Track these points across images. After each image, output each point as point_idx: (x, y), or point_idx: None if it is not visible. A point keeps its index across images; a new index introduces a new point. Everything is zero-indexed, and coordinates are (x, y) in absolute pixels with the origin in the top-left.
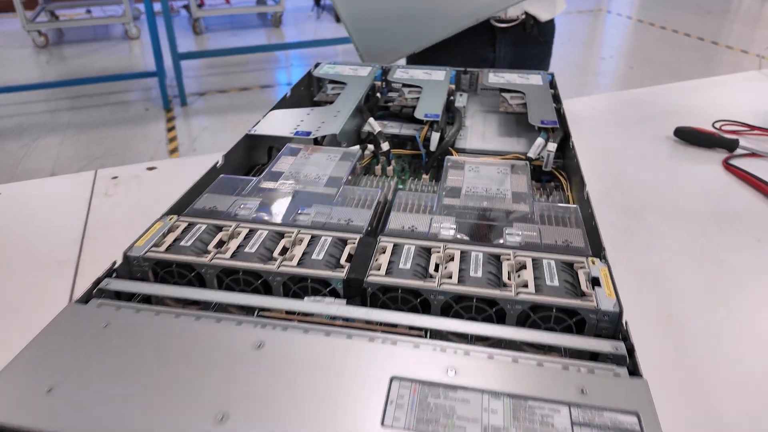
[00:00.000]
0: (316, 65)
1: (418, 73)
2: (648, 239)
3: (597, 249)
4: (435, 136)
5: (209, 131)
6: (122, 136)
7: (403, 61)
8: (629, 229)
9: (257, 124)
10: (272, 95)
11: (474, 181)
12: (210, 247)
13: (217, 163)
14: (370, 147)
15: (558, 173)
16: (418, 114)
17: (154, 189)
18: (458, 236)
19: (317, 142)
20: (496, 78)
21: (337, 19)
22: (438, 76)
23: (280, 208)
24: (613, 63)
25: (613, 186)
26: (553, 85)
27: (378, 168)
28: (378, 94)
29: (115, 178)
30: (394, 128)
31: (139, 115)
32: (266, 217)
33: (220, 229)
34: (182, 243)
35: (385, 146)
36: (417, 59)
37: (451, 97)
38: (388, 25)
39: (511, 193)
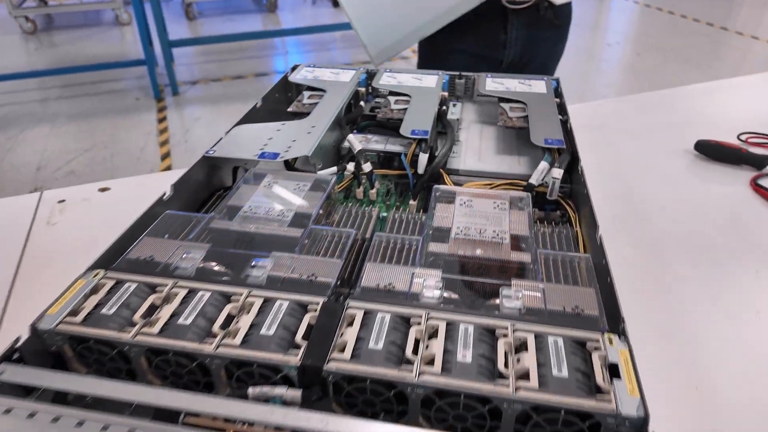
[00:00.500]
0: (294, 68)
1: (407, 79)
2: (667, 280)
3: (614, 319)
4: (423, 158)
5: (202, 122)
6: (112, 127)
7: (391, 65)
8: (645, 268)
9: (218, 142)
10: (268, 83)
11: (466, 220)
12: (137, 316)
13: (164, 195)
14: (350, 167)
15: (565, 203)
16: (405, 130)
17: (104, 215)
18: (445, 295)
19: (288, 164)
20: (494, 84)
21: (335, 4)
22: (429, 82)
23: (230, 259)
24: (619, 49)
25: (625, 210)
26: (558, 92)
27: (359, 191)
28: (362, 103)
29: (62, 201)
30: (378, 143)
31: (129, 105)
32: (212, 271)
33: (153, 288)
34: (104, 310)
35: (366, 167)
36: (427, 43)
37: (444, 107)
38: (392, 11)
39: (509, 236)
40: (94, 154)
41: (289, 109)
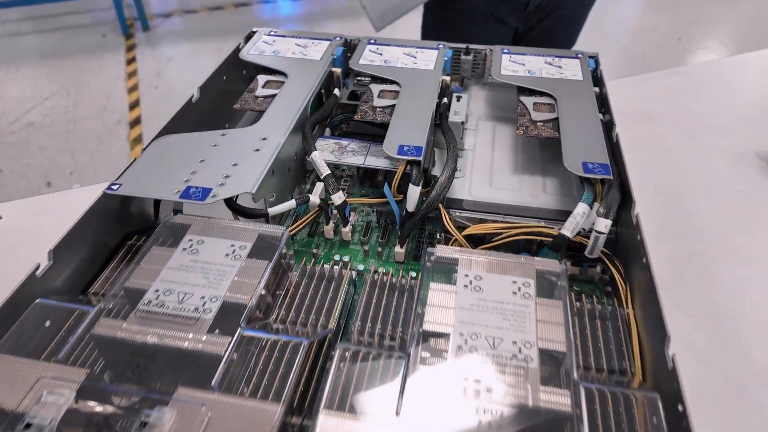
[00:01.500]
0: (248, 36)
1: (397, 55)
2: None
3: None
4: (414, 192)
5: (176, 63)
6: (75, 69)
7: (379, 34)
8: (720, 361)
9: (128, 169)
10: (250, 17)
11: (473, 317)
12: None
13: (37, 268)
14: (315, 199)
15: (610, 264)
16: (389, 147)
17: None
18: None
19: (231, 204)
20: (512, 64)
21: None
22: (426, 60)
23: (110, 405)
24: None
25: (678, 251)
26: (598, 77)
27: (328, 228)
28: (336, 91)
29: None
30: (356, 154)
31: (94, 43)
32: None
33: None
34: None
35: (338, 198)
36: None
37: (444, 99)
38: None
39: (537, 353)
40: (54, 102)
41: (236, 106)
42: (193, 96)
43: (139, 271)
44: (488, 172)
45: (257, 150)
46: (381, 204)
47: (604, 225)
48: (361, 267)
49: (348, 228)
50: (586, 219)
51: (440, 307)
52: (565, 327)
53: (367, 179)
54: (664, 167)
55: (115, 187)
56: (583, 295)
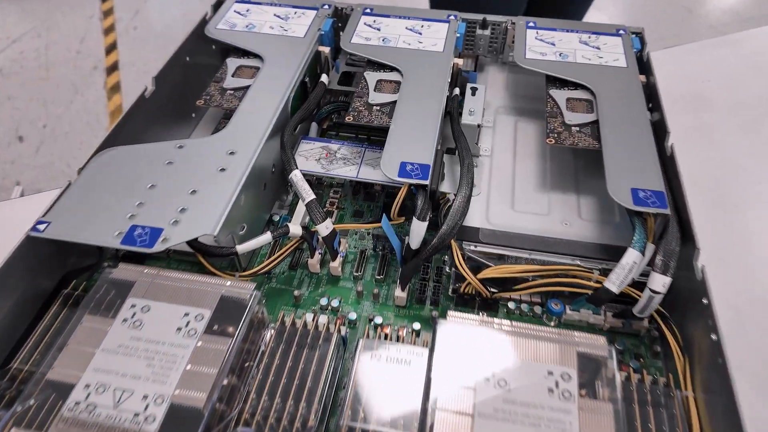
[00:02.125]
0: (217, 4)
1: (398, 30)
2: None
3: None
4: (418, 228)
5: (156, 0)
6: (46, 6)
7: (377, 2)
8: None
9: (54, 204)
10: None
11: (495, 428)
12: None
13: None
14: (295, 230)
15: (664, 327)
16: (387, 166)
17: None
18: None
19: (189, 242)
20: (538, 44)
21: None
22: (434, 35)
23: None
24: None
25: (744, 292)
26: (644, 62)
27: (313, 262)
28: (324, 78)
29: None
30: (347, 161)
31: None
32: None
33: None
34: None
35: (324, 229)
36: None
37: (456, 90)
38: None
39: None
40: (24, 45)
41: (199, 102)
42: (146, 88)
43: (66, 355)
44: (509, 189)
45: (222, 170)
46: (378, 227)
47: (662, 284)
48: (353, 315)
49: (338, 262)
50: (636, 270)
51: (455, 412)
52: None
53: (362, 189)
54: (719, 170)
55: (41, 227)
56: (626, 356)
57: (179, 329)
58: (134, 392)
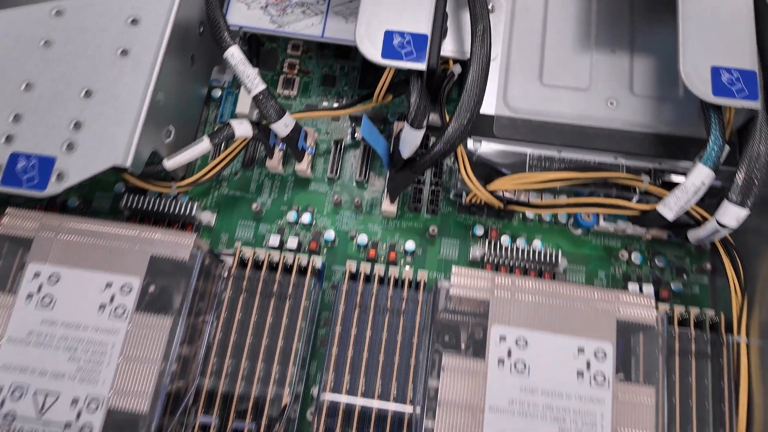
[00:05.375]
0: None
1: None
2: None
3: None
4: (410, 136)
5: None
6: None
7: None
8: None
9: None
10: None
11: (512, 425)
12: None
13: None
14: (242, 130)
15: (725, 255)
16: (363, 42)
17: None
18: None
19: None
20: None
21: None
22: None
23: None
24: None
25: None
26: None
27: (273, 162)
28: None
29: None
30: (309, 11)
31: None
32: None
33: None
34: None
35: (282, 128)
36: None
37: None
38: None
39: None
40: None
41: None
42: None
43: None
44: (537, 51)
45: (124, 53)
46: (359, 112)
47: (735, 218)
48: (330, 235)
49: (305, 162)
50: (705, 189)
51: (459, 407)
52: None
53: (335, 45)
54: None
55: None
56: (667, 273)
57: (102, 307)
58: (60, 395)
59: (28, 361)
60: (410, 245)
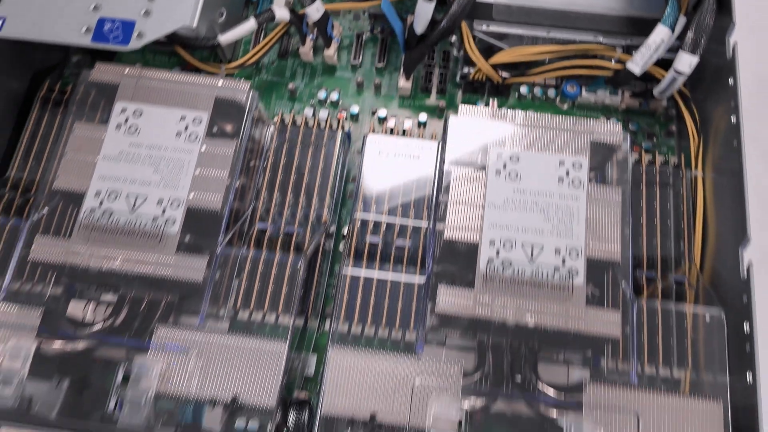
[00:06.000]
0: None
1: None
2: None
3: None
4: (423, 9)
5: None
6: None
7: None
8: None
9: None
10: None
11: (507, 218)
12: None
13: None
14: (281, 13)
15: (683, 107)
16: None
17: None
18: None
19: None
20: None
21: None
22: None
23: (79, 352)
24: None
25: None
26: None
27: (305, 50)
28: None
29: None
30: None
31: None
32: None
33: None
34: None
35: (314, 12)
36: None
37: None
38: None
39: (584, 264)
40: None
41: None
42: None
43: (66, 165)
44: None
45: None
46: (376, 5)
47: (688, 64)
48: (355, 109)
49: (333, 49)
50: (665, 47)
51: (464, 205)
52: (622, 227)
53: None
54: None
55: None
56: (639, 137)
57: (179, 134)
58: (148, 197)
59: (120, 172)
60: (422, 117)
